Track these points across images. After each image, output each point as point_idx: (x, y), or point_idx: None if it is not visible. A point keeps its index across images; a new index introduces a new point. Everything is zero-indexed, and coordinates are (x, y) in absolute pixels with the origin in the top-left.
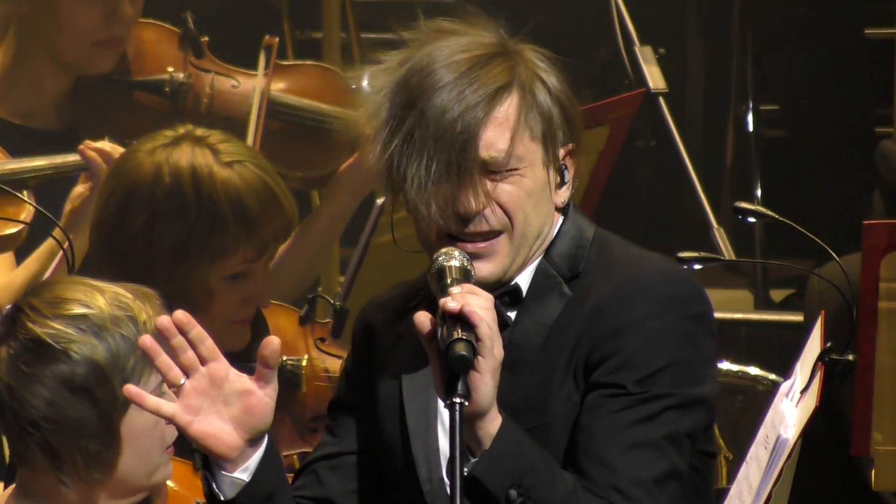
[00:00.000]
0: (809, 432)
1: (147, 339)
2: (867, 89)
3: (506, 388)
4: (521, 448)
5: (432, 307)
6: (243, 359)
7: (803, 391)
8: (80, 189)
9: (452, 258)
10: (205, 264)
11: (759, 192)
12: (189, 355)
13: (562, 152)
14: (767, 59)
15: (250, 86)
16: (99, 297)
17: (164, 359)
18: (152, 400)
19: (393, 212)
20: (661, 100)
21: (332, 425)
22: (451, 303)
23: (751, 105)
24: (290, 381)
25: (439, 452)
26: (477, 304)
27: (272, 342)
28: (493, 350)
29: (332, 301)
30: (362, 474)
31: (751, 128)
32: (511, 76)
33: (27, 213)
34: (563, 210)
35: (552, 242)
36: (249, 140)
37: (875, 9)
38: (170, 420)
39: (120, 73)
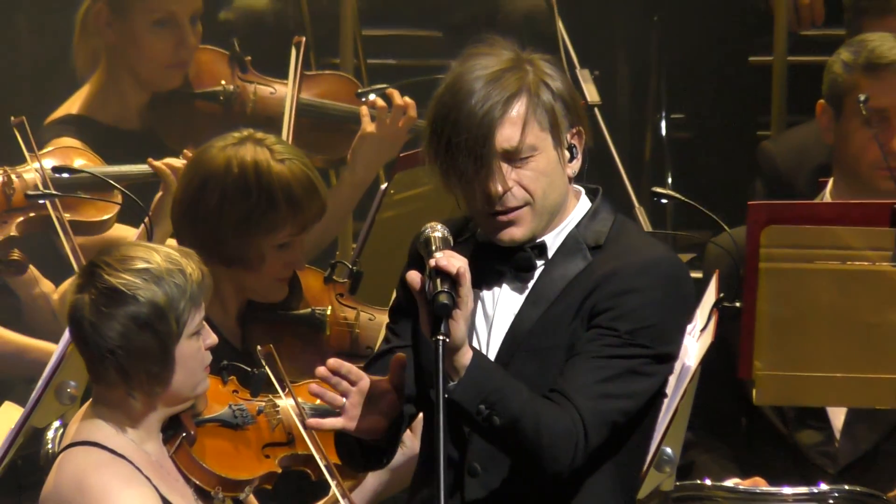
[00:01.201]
0: (707, 361)
1: (315, 387)
2: (752, 103)
3: (528, 315)
4: (487, 374)
5: (476, 243)
6: (282, 308)
7: (702, 330)
8: (158, 194)
9: (436, 230)
10: (260, 236)
11: (670, 180)
12: (344, 385)
13: (569, 135)
14: (677, 80)
15: (284, 92)
16: (156, 255)
17: (330, 395)
18: (329, 422)
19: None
20: (597, 110)
21: (393, 326)
22: (443, 261)
23: (664, 114)
24: (317, 325)
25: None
26: (465, 267)
27: (400, 360)
28: (467, 302)
29: (349, 266)
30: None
31: (664, 132)
32: (521, 84)
33: (116, 208)
34: (592, 193)
35: (585, 217)
36: (285, 132)
37: (757, 42)
38: (341, 429)
39: (185, 87)
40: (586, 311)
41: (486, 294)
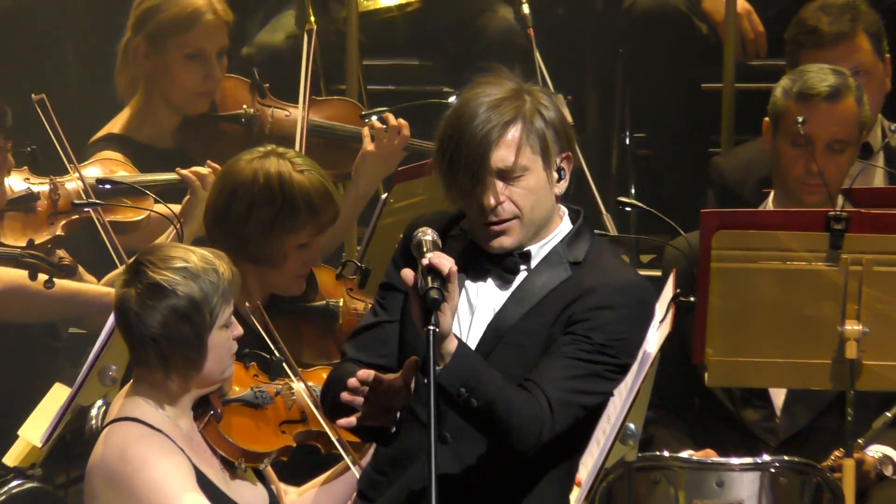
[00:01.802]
0: (665, 349)
1: (346, 395)
2: (704, 123)
3: (511, 313)
4: (469, 361)
5: (467, 239)
6: (300, 300)
7: (661, 322)
8: (186, 198)
9: (427, 234)
10: (283, 237)
11: (633, 191)
12: (367, 390)
13: (558, 159)
14: (639, 104)
15: (298, 115)
16: (193, 255)
17: (358, 400)
18: (353, 419)
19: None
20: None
21: (381, 301)
22: (435, 259)
23: (628, 133)
24: (331, 315)
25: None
26: (454, 267)
27: (413, 362)
28: (454, 297)
29: (358, 264)
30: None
31: (628, 148)
32: (517, 112)
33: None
34: (575, 214)
35: (568, 235)
36: (296, 149)
37: (709, 71)
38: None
39: (211, 111)
40: (564, 319)
41: (470, 285)
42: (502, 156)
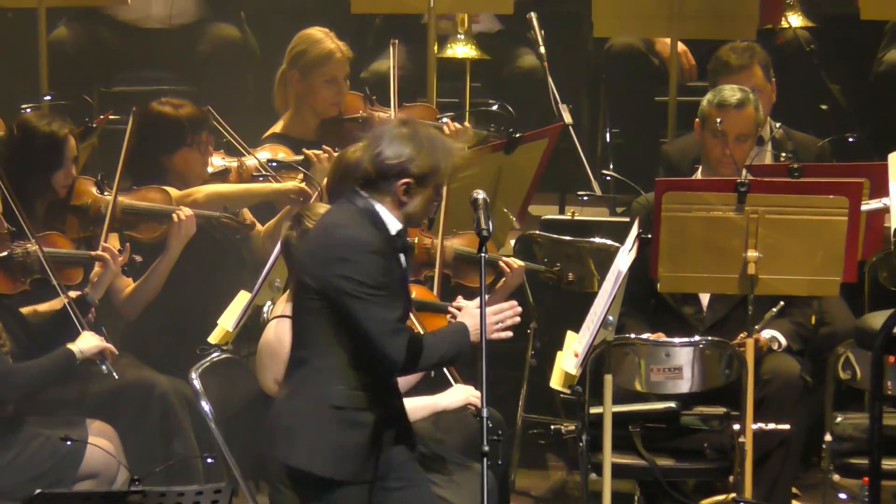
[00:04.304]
0: (632, 268)
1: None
2: (657, 122)
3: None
4: None
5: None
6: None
7: (629, 251)
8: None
9: (480, 194)
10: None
11: (612, 166)
12: None
13: None
14: (614, 110)
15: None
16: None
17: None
18: None
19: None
20: (570, 128)
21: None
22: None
23: (608, 129)
24: (409, 249)
25: None
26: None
27: None
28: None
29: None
30: None
31: (608, 139)
32: None
33: (299, 180)
34: None
35: None
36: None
37: (659, 88)
38: None
39: (339, 116)
40: None
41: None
42: None
